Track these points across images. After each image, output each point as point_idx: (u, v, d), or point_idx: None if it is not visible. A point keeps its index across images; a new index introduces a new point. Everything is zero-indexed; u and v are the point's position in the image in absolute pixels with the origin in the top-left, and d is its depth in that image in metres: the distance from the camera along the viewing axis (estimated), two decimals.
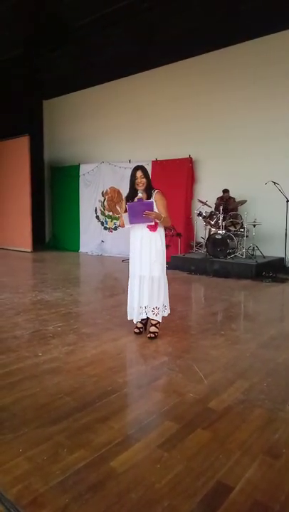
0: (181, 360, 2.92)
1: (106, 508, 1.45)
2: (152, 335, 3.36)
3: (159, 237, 3.37)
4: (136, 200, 3.29)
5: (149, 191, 3.33)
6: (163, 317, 3.46)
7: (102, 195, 9.94)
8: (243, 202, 7.29)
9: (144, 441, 1.87)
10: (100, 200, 10.00)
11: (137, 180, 3.29)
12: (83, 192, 10.29)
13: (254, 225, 7.02)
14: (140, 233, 3.36)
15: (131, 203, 3.28)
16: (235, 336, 3.47)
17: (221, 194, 7.46)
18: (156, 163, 8.71)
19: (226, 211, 7.11)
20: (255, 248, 7.05)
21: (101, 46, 8.47)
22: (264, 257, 7.03)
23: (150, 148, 8.94)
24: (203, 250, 7.41)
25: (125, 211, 3.32)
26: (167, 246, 8.66)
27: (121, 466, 1.68)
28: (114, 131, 9.85)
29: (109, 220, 9.91)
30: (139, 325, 3.49)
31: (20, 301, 4.69)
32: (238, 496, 1.53)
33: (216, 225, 7.14)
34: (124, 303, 4.80)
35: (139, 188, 3.31)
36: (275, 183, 6.79)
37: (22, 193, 9.95)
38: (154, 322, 3.39)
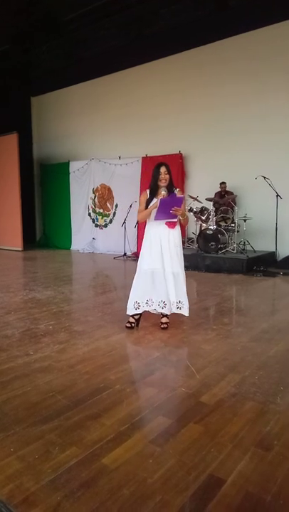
0: (173, 355, 2.92)
1: (98, 504, 1.45)
2: (166, 325, 3.46)
3: (177, 233, 3.42)
4: (159, 197, 3.26)
5: (170, 188, 3.35)
6: (155, 313, 3.47)
7: (93, 193, 9.89)
8: (233, 197, 7.31)
9: (136, 437, 1.87)
10: (90, 198, 9.95)
11: (160, 176, 3.30)
12: (74, 189, 10.23)
13: (245, 220, 7.05)
14: (159, 230, 3.37)
15: (164, 198, 3.25)
16: (226, 330, 3.48)
17: (216, 190, 7.52)
18: (146, 160, 8.69)
19: (224, 203, 7.15)
20: (246, 243, 7.08)
21: (90, 41, 8.41)
22: (255, 251, 7.07)
23: (140, 145, 8.91)
24: (195, 246, 7.42)
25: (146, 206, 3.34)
26: None
27: (113, 462, 1.68)
28: (104, 128, 9.79)
29: (100, 218, 9.87)
30: (132, 320, 3.50)
31: (11, 300, 4.65)
32: (229, 488, 1.54)
33: (207, 221, 7.15)
34: (116, 300, 4.82)
35: (161, 185, 3.32)
36: (265, 177, 6.82)
37: (11, 192, 9.85)
38: (168, 315, 3.45)
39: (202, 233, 7.04)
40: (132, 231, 8.64)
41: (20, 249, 9.80)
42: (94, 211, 9.96)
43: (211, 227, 6.98)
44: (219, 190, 7.53)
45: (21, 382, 2.45)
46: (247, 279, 5.96)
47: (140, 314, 3.50)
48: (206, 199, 7.27)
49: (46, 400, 2.23)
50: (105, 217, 9.74)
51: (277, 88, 7.15)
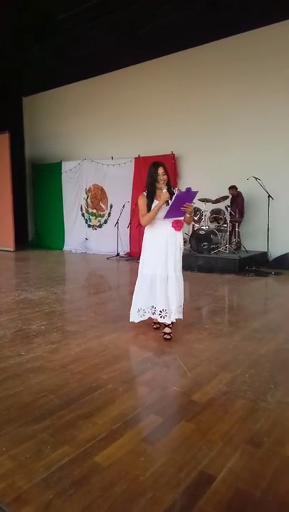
0: (165, 354, 2.94)
1: (90, 502, 1.46)
2: (169, 336, 3.26)
3: (181, 236, 3.30)
4: (163, 196, 3.09)
5: (168, 188, 3.19)
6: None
7: (86, 193, 9.87)
8: (225, 197, 7.35)
9: (128, 436, 1.88)
10: (83, 198, 9.94)
11: (159, 177, 3.15)
12: (66, 189, 10.21)
13: (237, 222, 7.09)
14: (164, 232, 3.20)
15: (180, 192, 3.10)
16: (218, 330, 3.51)
17: (208, 190, 7.43)
18: (139, 160, 8.70)
19: (237, 209, 7.13)
20: (239, 243, 7.13)
21: (82, 41, 8.39)
22: (247, 251, 7.12)
23: (133, 145, 8.92)
24: (187, 246, 7.45)
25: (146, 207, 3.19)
26: None
27: (105, 460, 1.69)
28: (97, 128, 9.78)
29: (93, 218, 9.86)
30: (168, 330, 3.28)
31: (3, 301, 4.63)
32: (220, 484, 1.56)
33: (200, 221, 7.19)
34: (108, 300, 4.83)
35: (159, 185, 3.17)
36: (256, 178, 6.88)
37: (3, 192, 9.79)
38: (170, 324, 3.31)
39: (195, 233, 7.07)
40: (125, 231, 8.65)
41: (12, 249, 9.74)
42: (87, 211, 9.95)
43: (204, 228, 7.02)
44: (226, 195, 7.31)
45: (13, 383, 2.45)
46: (239, 278, 6.00)
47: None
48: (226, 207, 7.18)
49: (38, 400, 2.23)
50: (99, 218, 9.73)
51: (269, 89, 7.21)
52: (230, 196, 7.33)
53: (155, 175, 3.16)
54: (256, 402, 2.21)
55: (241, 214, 7.27)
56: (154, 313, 3.27)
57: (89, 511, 1.42)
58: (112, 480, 1.57)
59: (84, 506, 1.43)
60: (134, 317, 3.38)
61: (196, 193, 3.13)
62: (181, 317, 3.34)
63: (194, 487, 1.54)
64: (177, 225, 3.21)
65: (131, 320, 3.43)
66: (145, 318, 3.35)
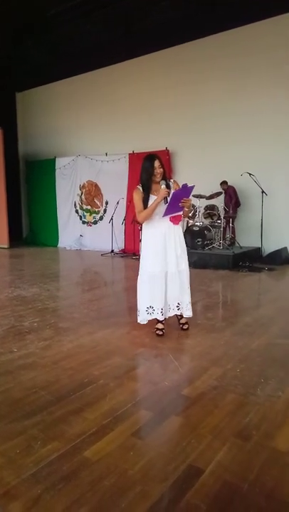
0: (157, 350, 2.95)
1: (79, 496, 1.47)
2: (187, 325, 3.34)
3: (180, 229, 3.24)
4: (162, 192, 3.01)
5: (165, 181, 3.09)
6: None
7: (80, 189, 9.84)
8: (219, 193, 7.36)
9: (118, 430, 1.89)
10: (77, 194, 9.90)
11: (155, 171, 3.04)
12: (60, 186, 10.16)
13: (231, 218, 7.10)
14: (162, 227, 3.13)
15: (176, 190, 3.03)
16: (210, 325, 3.53)
17: (202, 186, 7.41)
18: (133, 156, 8.68)
19: (233, 203, 7.13)
20: (233, 239, 7.15)
21: (76, 36, 8.31)
22: (241, 247, 7.15)
23: (127, 141, 8.89)
24: None
25: (144, 205, 3.10)
26: None
27: (94, 455, 1.70)
28: (91, 124, 9.74)
29: (87, 214, 9.83)
30: (161, 326, 3.24)
31: None
32: (208, 477, 1.58)
33: (194, 217, 7.19)
34: (102, 297, 4.83)
35: (156, 179, 3.07)
36: (250, 174, 6.89)
37: None
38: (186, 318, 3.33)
39: (189, 229, 7.08)
40: (120, 228, 8.64)
41: (6, 246, 9.69)
42: (81, 208, 9.92)
43: (198, 224, 7.03)
44: (219, 191, 7.33)
45: (4, 379, 2.45)
46: (233, 274, 6.03)
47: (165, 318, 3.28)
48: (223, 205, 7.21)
49: (29, 396, 2.23)
50: (94, 214, 9.70)
51: (262, 85, 7.21)
52: (223, 192, 7.35)
53: (151, 169, 3.04)
54: (246, 396, 2.23)
55: (236, 204, 7.27)
56: (169, 311, 3.23)
57: (77, 505, 1.42)
58: (101, 474, 1.58)
59: (72, 500, 1.44)
60: (143, 316, 3.25)
61: (192, 187, 3.07)
62: (191, 314, 3.29)
63: (182, 480, 1.56)
64: (175, 219, 3.17)
65: (139, 321, 3.29)
66: (152, 318, 3.22)
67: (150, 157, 3.08)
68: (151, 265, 3.18)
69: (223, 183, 7.37)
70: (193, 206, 7.24)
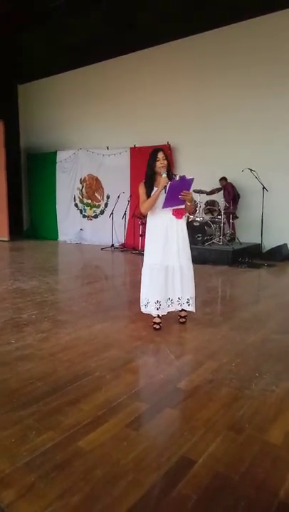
0: (154, 343, 2.97)
1: (72, 484, 1.49)
2: (184, 319, 3.39)
3: (184, 224, 3.23)
4: (162, 182, 3.01)
5: (169, 175, 3.08)
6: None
7: (80, 183, 9.82)
8: (219, 189, 7.35)
9: (113, 422, 1.91)
10: (78, 188, 9.89)
11: (158, 162, 3.06)
12: (60, 179, 10.14)
13: (231, 214, 7.10)
14: (165, 221, 3.13)
15: (174, 181, 3.01)
16: (208, 320, 3.55)
17: (204, 181, 7.40)
18: (134, 150, 8.66)
19: (231, 199, 7.12)
20: (233, 235, 7.15)
21: (79, 29, 8.26)
22: (240, 243, 7.15)
23: (128, 135, 8.86)
24: None
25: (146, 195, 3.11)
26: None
27: (88, 445, 1.72)
28: (92, 118, 9.69)
29: (88, 208, 9.83)
30: (158, 320, 3.25)
31: None
32: (200, 468, 1.60)
33: (194, 213, 7.19)
34: (101, 290, 4.85)
35: (159, 170, 3.08)
36: (251, 170, 6.87)
37: None
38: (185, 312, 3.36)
39: (189, 225, 7.07)
40: (120, 222, 8.63)
41: (6, 239, 9.71)
42: (81, 201, 9.91)
43: (198, 219, 7.02)
44: (220, 186, 7.36)
45: (1, 370, 2.47)
46: (232, 270, 6.03)
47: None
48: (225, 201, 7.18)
49: (26, 387, 2.25)
50: (95, 208, 9.70)
51: (265, 81, 7.16)
52: (222, 188, 7.34)
53: (155, 161, 3.08)
54: (241, 390, 2.25)
55: (235, 200, 7.26)
56: (170, 306, 3.23)
57: (70, 493, 1.45)
58: (95, 463, 1.60)
59: (65, 489, 1.47)
60: (144, 308, 3.27)
61: (191, 180, 3.05)
62: (193, 310, 3.31)
63: (175, 471, 1.58)
64: (178, 213, 3.15)
65: (147, 311, 3.27)
66: (159, 310, 3.18)
67: (155, 149, 3.15)
68: (152, 258, 3.19)
69: (222, 179, 7.36)
70: (194, 201, 7.23)
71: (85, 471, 1.56)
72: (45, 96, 10.66)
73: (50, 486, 1.47)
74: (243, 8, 6.91)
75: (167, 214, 3.14)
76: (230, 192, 7.31)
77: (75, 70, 9.84)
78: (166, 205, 3.06)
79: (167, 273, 3.18)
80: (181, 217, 3.18)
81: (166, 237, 3.15)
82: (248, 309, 3.93)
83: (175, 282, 3.20)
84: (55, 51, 9.28)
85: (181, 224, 3.21)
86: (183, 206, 3.15)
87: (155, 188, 3.11)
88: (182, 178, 3.04)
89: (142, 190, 3.16)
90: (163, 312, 3.21)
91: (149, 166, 3.12)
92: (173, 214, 3.15)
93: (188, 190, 3.06)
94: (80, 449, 1.69)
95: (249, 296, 4.67)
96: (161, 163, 3.07)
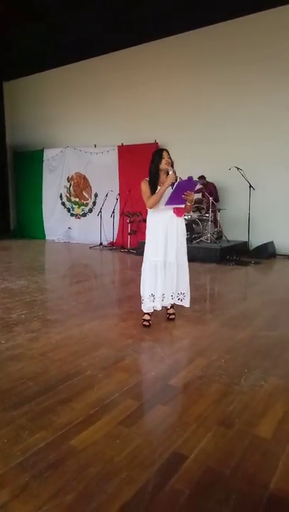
0: (144, 341, 2.99)
1: (65, 483, 1.50)
2: (173, 316, 3.47)
3: (183, 222, 3.33)
4: (169, 179, 3.07)
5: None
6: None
7: (68, 181, 9.76)
8: (200, 189, 7.39)
9: (105, 420, 1.92)
10: (65, 186, 9.82)
11: (163, 160, 3.15)
12: (47, 178, 10.06)
13: (219, 210, 7.17)
14: (166, 218, 3.22)
15: (181, 181, 3.07)
16: (197, 317, 3.58)
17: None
18: (122, 148, 8.64)
19: (211, 195, 7.18)
20: (220, 233, 7.22)
21: (66, 26, 8.16)
22: (228, 241, 7.22)
23: (116, 133, 8.84)
24: None
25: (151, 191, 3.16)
26: (134, 232, 8.65)
27: (81, 443, 1.73)
28: (80, 115, 9.63)
29: (76, 207, 9.77)
30: (148, 317, 3.33)
31: None
32: (192, 463, 1.63)
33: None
34: (90, 289, 4.85)
35: (164, 167, 3.16)
36: (238, 168, 6.94)
37: None
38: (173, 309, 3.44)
39: None
40: (109, 220, 8.62)
41: None
42: (69, 200, 9.84)
43: (186, 217, 7.06)
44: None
45: None
46: (220, 268, 6.10)
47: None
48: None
49: (17, 387, 2.25)
50: (83, 207, 9.65)
51: (254, 79, 7.22)
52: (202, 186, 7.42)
53: (160, 159, 3.16)
54: (230, 385, 2.29)
55: (215, 199, 7.30)
56: (163, 300, 3.29)
57: (64, 492, 1.46)
58: (88, 462, 1.62)
59: (59, 488, 1.48)
60: (145, 305, 3.30)
61: (197, 182, 3.20)
62: (187, 305, 3.39)
63: (167, 466, 1.60)
64: (179, 212, 3.24)
65: (145, 305, 3.30)
66: (156, 305, 3.26)
67: (159, 149, 3.26)
68: (151, 254, 3.27)
69: (201, 177, 7.39)
70: (195, 202, 7.27)
71: (79, 469, 1.57)
72: (31, 93, 10.54)
73: (44, 486, 1.48)
74: (233, 6, 6.89)
75: (168, 211, 3.22)
76: (213, 192, 7.33)
77: (62, 67, 9.75)
78: (169, 202, 3.13)
79: (165, 269, 3.26)
80: (181, 216, 3.28)
81: (166, 234, 3.23)
82: (236, 306, 3.99)
83: (173, 277, 3.29)
84: (42, 48, 9.16)
85: (181, 223, 3.31)
86: (183, 206, 3.24)
87: (159, 188, 3.18)
88: (190, 178, 3.12)
89: (145, 186, 3.22)
90: (165, 304, 3.33)
91: (154, 163, 3.19)
92: (174, 212, 3.23)
93: (192, 191, 3.15)
94: (72, 448, 1.70)
95: (237, 293, 4.73)
96: (166, 161, 3.17)
